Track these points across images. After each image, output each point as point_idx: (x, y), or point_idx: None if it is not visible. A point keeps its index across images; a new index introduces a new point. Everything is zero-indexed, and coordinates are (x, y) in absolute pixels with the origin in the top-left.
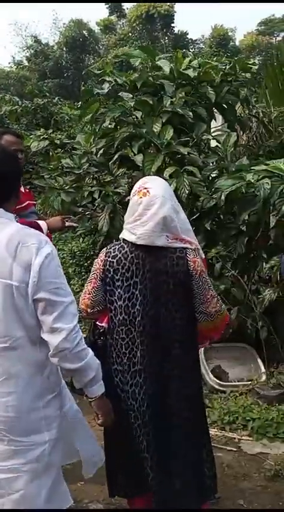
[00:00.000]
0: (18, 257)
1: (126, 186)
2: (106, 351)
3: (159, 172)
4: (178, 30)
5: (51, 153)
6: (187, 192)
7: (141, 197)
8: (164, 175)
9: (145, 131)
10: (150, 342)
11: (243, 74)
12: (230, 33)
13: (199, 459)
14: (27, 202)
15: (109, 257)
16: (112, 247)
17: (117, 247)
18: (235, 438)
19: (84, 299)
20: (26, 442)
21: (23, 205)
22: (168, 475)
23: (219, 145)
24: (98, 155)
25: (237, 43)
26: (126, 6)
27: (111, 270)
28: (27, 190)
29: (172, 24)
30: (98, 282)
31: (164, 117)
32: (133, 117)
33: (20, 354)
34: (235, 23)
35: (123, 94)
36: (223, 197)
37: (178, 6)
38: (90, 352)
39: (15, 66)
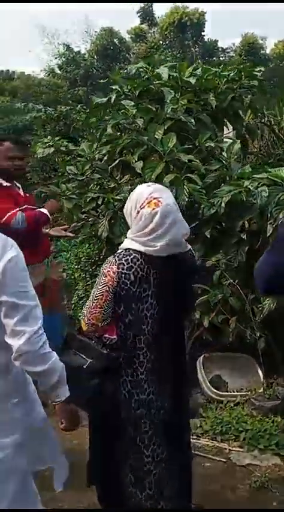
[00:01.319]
0: None
1: (128, 193)
2: (116, 363)
3: (158, 180)
4: (208, 39)
5: (57, 160)
6: (186, 199)
7: (153, 208)
8: (164, 182)
9: (147, 138)
10: (166, 350)
11: (250, 81)
12: (260, 41)
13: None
14: (25, 206)
15: (123, 269)
16: (124, 258)
17: (129, 258)
18: (226, 449)
19: (94, 313)
20: None
21: (21, 208)
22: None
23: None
24: (102, 161)
25: (268, 51)
26: (158, 14)
27: (128, 282)
28: (28, 195)
29: (203, 33)
30: (110, 295)
31: (167, 125)
32: (136, 124)
33: None
34: (267, 31)
35: (125, 102)
36: (223, 204)
37: (209, 14)
38: (54, 355)
39: (47, 74)
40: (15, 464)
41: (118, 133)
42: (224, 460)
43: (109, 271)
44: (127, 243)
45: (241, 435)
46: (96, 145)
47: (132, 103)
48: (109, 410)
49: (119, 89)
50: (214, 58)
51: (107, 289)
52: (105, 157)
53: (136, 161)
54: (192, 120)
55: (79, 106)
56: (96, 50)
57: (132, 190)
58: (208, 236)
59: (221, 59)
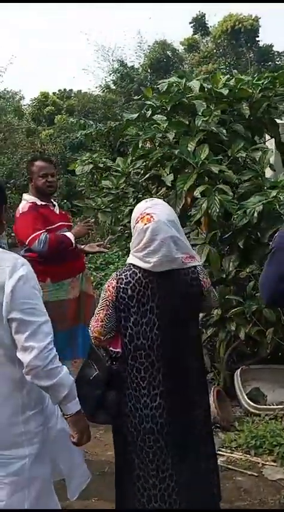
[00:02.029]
0: None
1: None
2: (121, 375)
3: (190, 191)
4: (263, 44)
5: (96, 176)
6: (217, 210)
7: (145, 224)
8: (195, 194)
9: (179, 151)
10: (170, 364)
11: None
12: None
13: (208, 469)
14: (59, 223)
15: (121, 284)
16: (124, 274)
17: (128, 273)
18: (258, 463)
19: (96, 327)
20: (5, 455)
21: (54, 226)
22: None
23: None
24: (138, 176)
25: None
26: (211, 23)
27: (126, 296)
28: (64, 212)
29: (257, 38)
30: (110, 309)
31: (199, 137)
32: (167, 138)
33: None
34: None
35: (157, 116)
36: (255, 214)
37: (263, 19)
38: (64, 369)
39: (102, 90)
40: (32, 474)
41: (155, 148)
42: (256, 474)
43: (109, 286)
44: (129, 258)
45: (275, 449)
46: (130, 159)
47: (164, 117)
48: (116, 421)
49: (154, 104)
50: (270, 63)
51: (107, 303)
52: (141, 172)
53: (167, 174)
54: (224, 131)
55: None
56: (150, 63)
57: (166, 202)
58: (242, 247)
59: (277, 63)
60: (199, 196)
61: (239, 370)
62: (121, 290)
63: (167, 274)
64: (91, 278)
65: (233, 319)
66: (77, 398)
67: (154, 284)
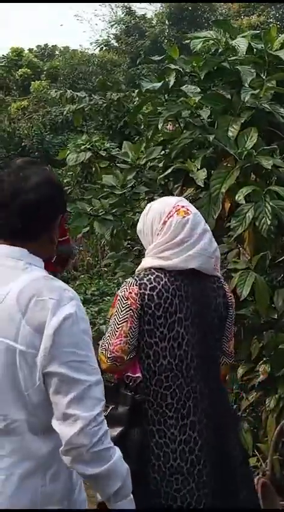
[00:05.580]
0: (29, 314)
1: None
2: (141, 408)
3: (230, 194)
4: None
5: (93, 168)
6: (268, 222)
7: (183, 216)
8: (237, 198)
9: (215, 137)
10: (202, 388)
11: None
12: None
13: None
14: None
15: (146, 289)
16: (146, 278)
17: (151, 277)
18: None
19: (118, 344)
20: None
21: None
22: None
23: None
24: (155, 170)
25: None
26: None
27: (152, 305)
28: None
29: None
30: (136, 320)
31: (244, 117)
32: (200, 118)
33: (16, 443)
34: None
35: (186, 87)
36: None
37: None
38: (116, 453)
39: (98, 48)
40: None
41: (181, 131)
42: None
43: (130, 292)
44: (148, 262)
45: None
46: (144, 147)
47: (197, 89)
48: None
49: (181, 70)
50: None
51: (131, 313)
52: (160, 165)
53: (198, 169)
54: (281, 110)
55: (137, 91)
56: (169, 12)
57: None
58: None
59: None
60: (243, 201)
61: None
62: (146, 297)
63: (196, 280)
64: None
65: None
66: (132, 496)
67: (182, 291)
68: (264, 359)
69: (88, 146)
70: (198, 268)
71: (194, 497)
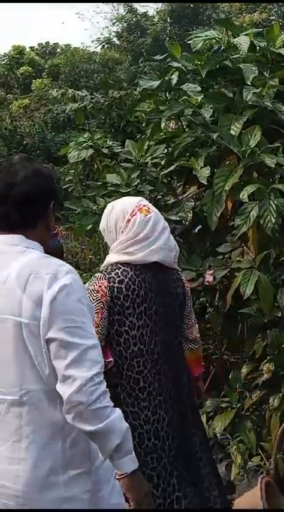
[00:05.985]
0: (29, 289)
1: (191, 211)
2: (115, 392)
3: (233, 192)
4: None
5: (96, 166)
6: (272, 221)
7: (146, 214)
8: (241, 196)
9: (218, 135)
10: (165, 371)
11: None
12: None
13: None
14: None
15: (114, 283)
16: (114, 272)
17: (119, 271)
18: None
19: None
20: None
21: None
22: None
23: None
24: (158, 168)
25: None
26: None
27: (121, 297)
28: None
29: None
30: (106, 311)
31: (247, 115)
32: (202, 116)
33: (34, 412)
34: None
35: (187, 86)
36: None
37: None
38: (115, 412)
39: (100, 46)
40: None
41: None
42: None
43: (100, 286)
44: (114, 258)
45: None
46: (147, 145)
47: (198, 87)
48: None
49: (182, 68)
50: None
51: (102, 305)
52: (162, 163)
53: (201, 167)
54: (283, 108)
55: (138, 89)
56: (170, 10)
57: (198, 206)
58: None
59: None
60: (247, 199)
61: None
62: (115, 289)
63: (159, 272)
64: None
65: None
66: (134, 454)
67: (146, 283)
68: (268, 358)
69: (90, 143)
70: (161, 261)
71: (167, 471)
